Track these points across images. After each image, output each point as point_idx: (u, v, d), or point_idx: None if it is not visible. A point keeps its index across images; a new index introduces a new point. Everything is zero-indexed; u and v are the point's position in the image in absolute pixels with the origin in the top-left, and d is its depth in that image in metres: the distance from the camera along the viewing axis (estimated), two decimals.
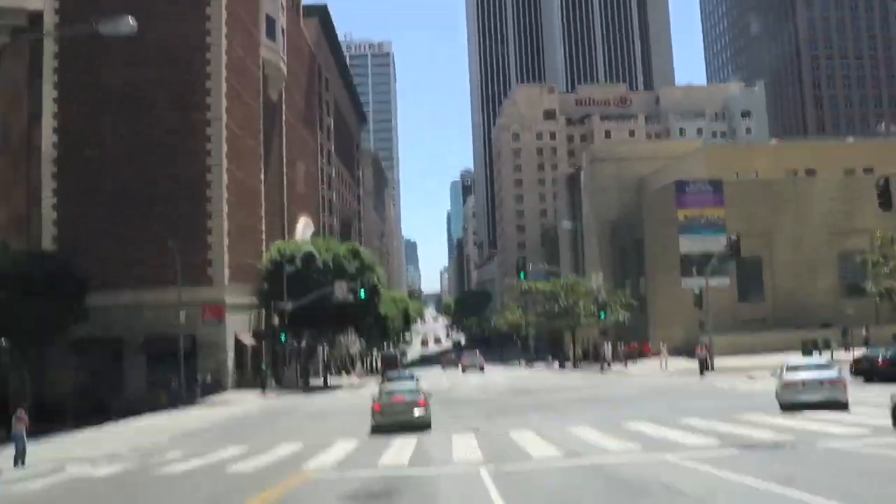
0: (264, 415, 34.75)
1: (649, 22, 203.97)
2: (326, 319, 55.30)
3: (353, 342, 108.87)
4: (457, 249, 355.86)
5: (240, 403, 42.14)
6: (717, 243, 53.22)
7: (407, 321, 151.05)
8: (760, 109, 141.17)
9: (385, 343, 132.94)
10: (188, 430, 29.53)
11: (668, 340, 52.38)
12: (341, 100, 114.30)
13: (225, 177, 49.23)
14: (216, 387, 46.54)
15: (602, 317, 51.72)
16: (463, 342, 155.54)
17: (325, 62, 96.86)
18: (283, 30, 67.73)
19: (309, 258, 54.11)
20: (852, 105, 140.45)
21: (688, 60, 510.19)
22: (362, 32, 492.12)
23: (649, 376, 44.82)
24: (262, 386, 49.54)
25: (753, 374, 35.65)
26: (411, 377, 36.36)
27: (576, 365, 59.33)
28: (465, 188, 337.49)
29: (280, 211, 66.55)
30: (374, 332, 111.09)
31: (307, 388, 55.91)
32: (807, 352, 43.36)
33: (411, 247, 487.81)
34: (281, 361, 57.09)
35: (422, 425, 22.29)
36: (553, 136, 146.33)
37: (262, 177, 59.32)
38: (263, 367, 51.10)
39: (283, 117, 69.56)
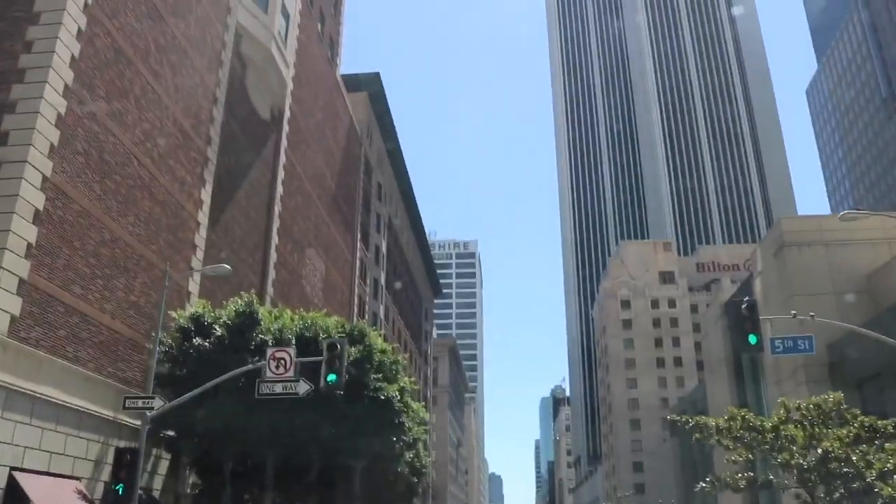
0: None
1: (766, 172, 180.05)
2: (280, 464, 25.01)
3: None
4: (547, 477, 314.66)
5: None
6: None
7: None
8: None
9: None
10: None
11: None
12: (404, 236, 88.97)
13: (55, 102, 21.95)
14: None
15: None
16: None
17: (378, 162, 72.58)
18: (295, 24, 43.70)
19: (244, 324, 24.76)
20: None
21: (810, 206, 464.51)
22: (449, 233, 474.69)
23: None
24: None
25: None
26: None
27: None
28: (556, 403, 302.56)
29: (252, 272, 38.25)
30: None
31: None
32: None
33: (496, 480, 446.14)
34: None
35: None
36: (672, 303, 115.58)
37: (202, 193, 31.79)
38: None
39: (283, 155, 43.39)
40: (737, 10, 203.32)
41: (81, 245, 23.18)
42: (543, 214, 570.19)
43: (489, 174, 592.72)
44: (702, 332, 77.21)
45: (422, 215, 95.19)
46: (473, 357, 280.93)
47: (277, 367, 19.37)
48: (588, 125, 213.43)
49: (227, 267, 24.65)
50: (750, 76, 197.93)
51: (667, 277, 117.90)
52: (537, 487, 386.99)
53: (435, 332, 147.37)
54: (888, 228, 47.98)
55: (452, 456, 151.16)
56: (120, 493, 18.83)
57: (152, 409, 20.03)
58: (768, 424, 27.23)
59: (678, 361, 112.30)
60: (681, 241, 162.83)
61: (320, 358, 19.47)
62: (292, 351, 19.91)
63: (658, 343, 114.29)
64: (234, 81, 37.06)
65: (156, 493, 26.45)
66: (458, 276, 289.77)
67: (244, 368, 20.85)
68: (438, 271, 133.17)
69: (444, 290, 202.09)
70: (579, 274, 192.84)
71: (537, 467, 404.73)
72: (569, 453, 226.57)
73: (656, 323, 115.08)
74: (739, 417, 27.62)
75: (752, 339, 18.65)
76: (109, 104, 25.17)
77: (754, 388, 54.75)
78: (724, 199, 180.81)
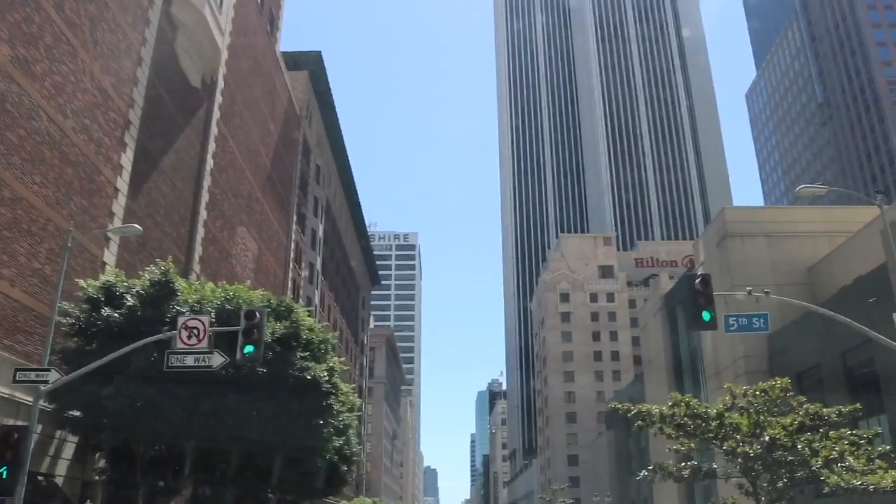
0: None
1: (705, 171, 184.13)
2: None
3: None
4: (482, 470, 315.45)
5: None
6: None
7: None
8: None
9: None
10: None
11: None
12: (343, 221, 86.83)
13: None
14: None
15: None
16: None
17: (317, 144, 70.32)
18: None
19: (159, 295, 22.73)
20: None
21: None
22: (389, 225, 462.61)
23: None
24: None
25: None
26: None
27: None
28: (492, 397, 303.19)
29: (177, 247, 35.88)
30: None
31: None
32: None
33: (431, 474, 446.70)
34: None
35: None
36: (611, 297, 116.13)
37: (122, 159, 29.44)
38: None
39: (214, 126, 40.99)
40: (682, 8, 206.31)
41: None
42: (484, 208, 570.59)
43: (430, 166, 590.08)
44: (640, 324, 77.26)
45: (361, 203, 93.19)
46: (411, 350, 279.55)
47: (189, 337, 17.45)
48: (531, 118, 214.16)
49: (138, 227, 22.53)
50: (692, 76, 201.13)
51: (606, 272, 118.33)
52: (472, 481, 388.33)
53: (373, 324, 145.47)
54: (828, 222, 48.35)
55: (388, 448, 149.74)
56: (3, 476, 16.64)
57: (47, 382, 17.88)
58: (713, 412, 26.41)
59: (615, 356, 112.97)
60: (620, 237, 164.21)
61: (237, 328, 17.62)
62: (206, 319, 18.02)
63: (596, 337, 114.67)
64: (162, 43, 34.65)
65: (59, 480, 24.22)
66: (398, 268, 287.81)
67: (152, 338, 18.86)
68: (378, 263, 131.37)
69: (384, 283, 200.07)
70: (519, 268, 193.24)
71: (472, 461, 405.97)
72: (504, 447, 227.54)
73: (594, 317, 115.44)
74: (683, 404, 26.73)
75: (706, 315, 17.58)
76: (13, 49, 22.78)
77: (693, 381, 54.61)
78: (663, 197, 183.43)
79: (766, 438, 23.96)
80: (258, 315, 17.58)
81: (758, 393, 26.14)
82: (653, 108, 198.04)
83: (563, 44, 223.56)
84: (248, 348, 17.26)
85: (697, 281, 18.10)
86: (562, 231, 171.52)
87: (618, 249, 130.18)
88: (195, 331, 17.54)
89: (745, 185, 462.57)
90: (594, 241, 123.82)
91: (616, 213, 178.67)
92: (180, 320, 18.03)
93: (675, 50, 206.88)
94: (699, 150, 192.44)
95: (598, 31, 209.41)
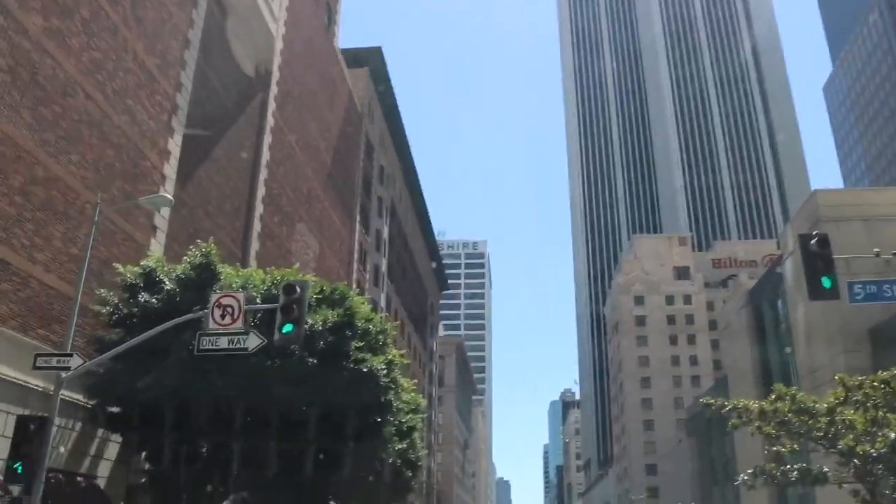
0: None
1: (783, 168, 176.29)
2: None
3: None
4: (556, 481, 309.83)
5: None
6: None
7: None
8: None
9: None
10: None
11: None
12: (409, 224, 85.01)
13: None
14: None
15: None
16: None
17: (380, 143, 68.64)
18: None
19: (201, 279, 20.87)
20: None
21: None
22: (457, 233, 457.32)
23: None
24: None
25: None
26: None
27: None
28: (565, 407, 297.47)
29: (232, 241, 34.19)
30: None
31: None
32: None
33: (504, 486, 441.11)
34: None
35: None
36: (688, 300, 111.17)
37: (170, 144, 27.85)
38: None
39: (270, 117, 39.45)
40: (753, 2, 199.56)
41: (3, 179, 19.33)
42: (554, 214, 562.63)
43: (498, 173, 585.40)
44: (720, 325, 72.98)
45: (430, 211, 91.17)
46: (482, 359, 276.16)
47: (223, 317, 15.38)
48: (600, 119, 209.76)
49: (168, 196, 20.77)
50: (765, 71, 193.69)
51: (682, 273, 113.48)
52: (546, 492, 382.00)
53: (442, 332, 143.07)
54: None
55: (459, 458, 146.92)
56: (19, 471, 14.81)
57: (68, 368, 16.05)
58: (822, 406, 23.09)
59: (694, 360, 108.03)
60: (695, 238, 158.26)
61: (275, 305, 15.47)
62: (242, 297, 15.89)
63: (673, 341, 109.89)
64: (211, 28, 33.23)
65: (101, 482, 22.58)
66: (468, 276, 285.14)
67: (182, 318, 16.86)
68: (447, 272, 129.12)
69: (454, 291, 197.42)
70: (590, 273, 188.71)
71: (546, 472, 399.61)
72: (578, 457, 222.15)
73: (671, 320, 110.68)
74: (788, 397, 23.47)
75: (826, 282, 14.75)
76: (46, 20, 21.34)
77: (784, 382, 50.43)
78: (739, 196, 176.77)
79: (893, 436, 20.58)
80: (299, 289, 15.40)
81: (876, 384, 22.72)
82: (726, 106, 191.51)
83: (631, 43, 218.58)
84: (287, 327, 15.05)
85: (813, 241, 15.25)
86: (634, 233, 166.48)
87: (693, 250, 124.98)
88: (229, 309, 15.46)
89: (825, 181, 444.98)
90: (669, 242, 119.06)
91: (690, 214, 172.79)
92: (213, 298, 15.98)
93: (748, 45, 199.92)
94: (776, 148, 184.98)
95: (667, 28, 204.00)
